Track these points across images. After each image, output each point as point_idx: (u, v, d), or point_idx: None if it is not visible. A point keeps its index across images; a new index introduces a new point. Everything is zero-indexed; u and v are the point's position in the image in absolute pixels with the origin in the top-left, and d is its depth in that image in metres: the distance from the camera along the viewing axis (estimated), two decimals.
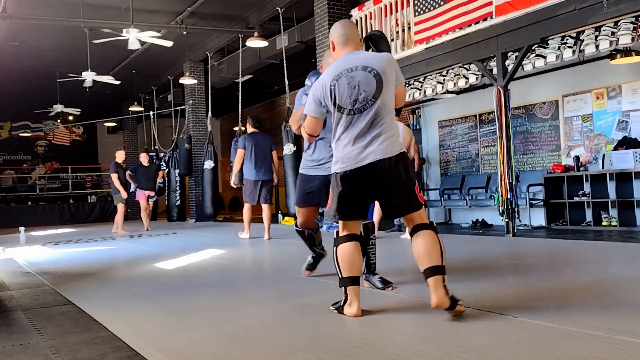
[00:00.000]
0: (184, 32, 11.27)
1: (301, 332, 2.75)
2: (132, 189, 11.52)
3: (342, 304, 2.99)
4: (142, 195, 11.51)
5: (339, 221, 3.03)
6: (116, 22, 10.21)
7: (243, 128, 12.19)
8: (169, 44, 9.86)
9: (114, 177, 10.92)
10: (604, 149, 7.93)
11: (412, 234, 2.92)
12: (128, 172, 11.85)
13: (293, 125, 3.68)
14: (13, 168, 20.05)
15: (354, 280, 2.95)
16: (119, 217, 11.18)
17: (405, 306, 3.26)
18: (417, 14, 8.22)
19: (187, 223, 14.27)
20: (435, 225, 2.96)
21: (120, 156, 11.21)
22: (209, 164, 13.37)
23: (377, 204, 4.21)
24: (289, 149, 10.69)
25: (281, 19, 10.68)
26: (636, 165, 7.16)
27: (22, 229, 10.07)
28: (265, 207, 8.31)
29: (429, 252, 2.81)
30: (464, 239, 7.32)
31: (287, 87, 11.06)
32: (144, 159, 11.73)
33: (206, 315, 3.26)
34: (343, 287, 2.98)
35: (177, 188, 14.95)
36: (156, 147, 15.97)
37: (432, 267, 2.78)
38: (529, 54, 7.04)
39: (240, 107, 12.40)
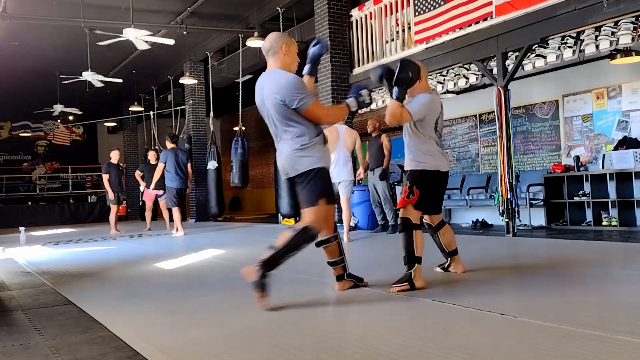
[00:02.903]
0: (184, 32, 11.26)
1: (301, 332, 2.75)
2: (142, 189, 11.55)
3: (412, 278, 3.63)
4: (148, 196, 11.51)
5: (421, 212, 3.88)
6: (116, 22, 10.21)
7: (244, 127, 12.23)
8: (170, 42, 9.88)
9: (104, 178, 11.03)
10: (604, 149, 7.93)
11: (439, 227, 4.15)
12: (137, 172, 11.86)
13: (397, 118, 3.76)
14: (11, 168, 20.03)
15: (421, 260, 3.75)
16: (111, 217, 11.20)
17: (406, 306, 3.26)
18: (417, 14, 8.23)
19: (187, 223, 14.27)
20: None
21: (114, 156, 11.23)
22: (212, 164, 13.35)
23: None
24: None
25: (281, 19, 10.68)
26: (636, 165, 7.16)
27: (22, 229, 10.07)
28: (176, 210, 9.94)
29: (453, 240, 4.23)
30: (464, 239, 7.31)
31: None
32: (152, 157, 11.71)
33: (206, 315, 3.26)
34: (416, 265, 3.67)
35: None
36: (156, 147, 15.98)
37: (455, 249, 4.24)
38: (529, 54, 7.04)
39: (240, 107, 12.42)
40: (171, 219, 10.62)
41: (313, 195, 3.41)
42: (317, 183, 3.43)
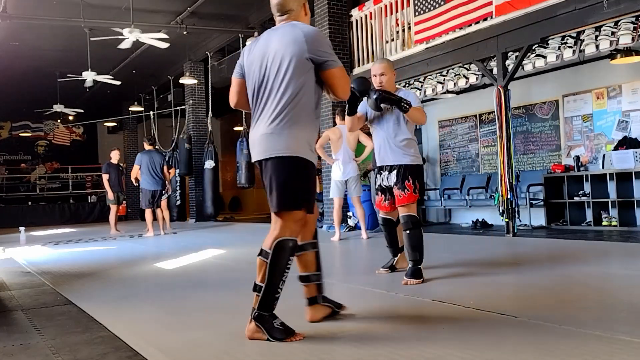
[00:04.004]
0: (184, 32, 11.27)
1: (301, 332, 2.75)
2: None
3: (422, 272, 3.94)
4: None
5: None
6: (116, 22, 10.21)
7: (246, 127, 12.25)
8: (164, 45, 9.88)
9: (104, 178, 11.07)
10: (604, 149, 7.93)
11: (398, 222, 4.15)
12: None
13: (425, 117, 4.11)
14: (11, 168, 20.04)
15: None
16: (110, 217, 11.21)
17: (406, 306, 3.25)
18: (417, 13, 8.22)
19: (187, 223, 14.27)
20: None
21: (115, 156, 11.26)
22: (209, 164, 13.38)
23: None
24: None
25: None
26: (636, 165, 7.16)
27: (22, 229, 10.08)
28: (158, 210, 10.37)
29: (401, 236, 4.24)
30: (464, 239, 7.32)
31: None
32: None
33: (206, 315, 3.26)
34: (422, 261, 3.96)
35: (177, 188, 14.96)
36: (157, 147, 15.98)
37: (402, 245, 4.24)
38: (529, 53, 7.04)
39: None
40: (172, 219, 10.66)
41: (287, 195, 2.64)
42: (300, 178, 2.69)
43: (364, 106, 4.16)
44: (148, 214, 10.27)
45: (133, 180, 10.51)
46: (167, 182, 10.46)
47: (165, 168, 10.40)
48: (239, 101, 2.93)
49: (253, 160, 2.77)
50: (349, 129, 4.23)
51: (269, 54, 2.73)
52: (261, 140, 2.68)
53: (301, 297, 2.90)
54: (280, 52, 2.68)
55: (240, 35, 11.84)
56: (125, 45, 9.54)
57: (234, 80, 2.92)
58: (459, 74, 8.14)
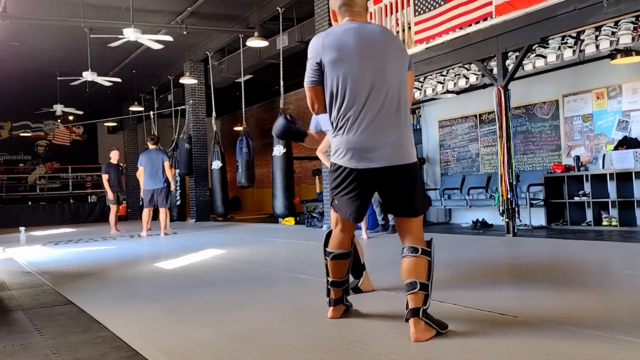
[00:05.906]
0: (184, 32, 11.27)
1: (301, 332, 2.75)
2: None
3: None
4: None
5: None
6: (116, 22, 10.21)
7: (246, 127, 12.25)
8: (157, 46, 9.90)
9: (104, 178, 11.09)
10: (604, 149, 7.93)
11: None
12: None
13: None
14: (11, 168, 20.05)
15: None
16: (110, 217, 11.22)
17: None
18: (417, 13, 8.22)
19: (187, 223, 14.28)
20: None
21: (114, 156, 11.26)
22: (217, 164, 13.39)
23: None
24: (278, 150, 10.75)
25: (281, 19, 10.68)
26: (636, 165, 7.16)
27: (22, 229, 10.08)
28: (161, 210, 10.11)
29: None
30: (464, 239, 7.32)
31: (282, 88, 11.13)
32: None
33: (206, 315, 3.26)
34: None
35: (177, 188, 14.96)
36: (158, 146, 16.00)
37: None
38: (529, 53, 7.04)
39: (243, 106, 12.50)
40: (172, 219, 10.65)
41: (423, 197, 2.76)
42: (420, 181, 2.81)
43: (315, 123, 3.61)
44: (144, 213, 10.25)
45: (140, 182, 10.45)
46: (171, 180, 10.38)
47: (166, 164, 10.10)
48: (319, 107, 2.79)
49: (376, 166, 2.62)
50: (315, 146, 3.78)
51: (375, 53, 2.67)
52: (390, 145, 2.62)
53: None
54: (393, 55, 2.70)
55: (240, 35, 11.84)
56: (117, 43, 9.54)
57: (313, 89, 2.75)
58: (459, 74, 8.14)
